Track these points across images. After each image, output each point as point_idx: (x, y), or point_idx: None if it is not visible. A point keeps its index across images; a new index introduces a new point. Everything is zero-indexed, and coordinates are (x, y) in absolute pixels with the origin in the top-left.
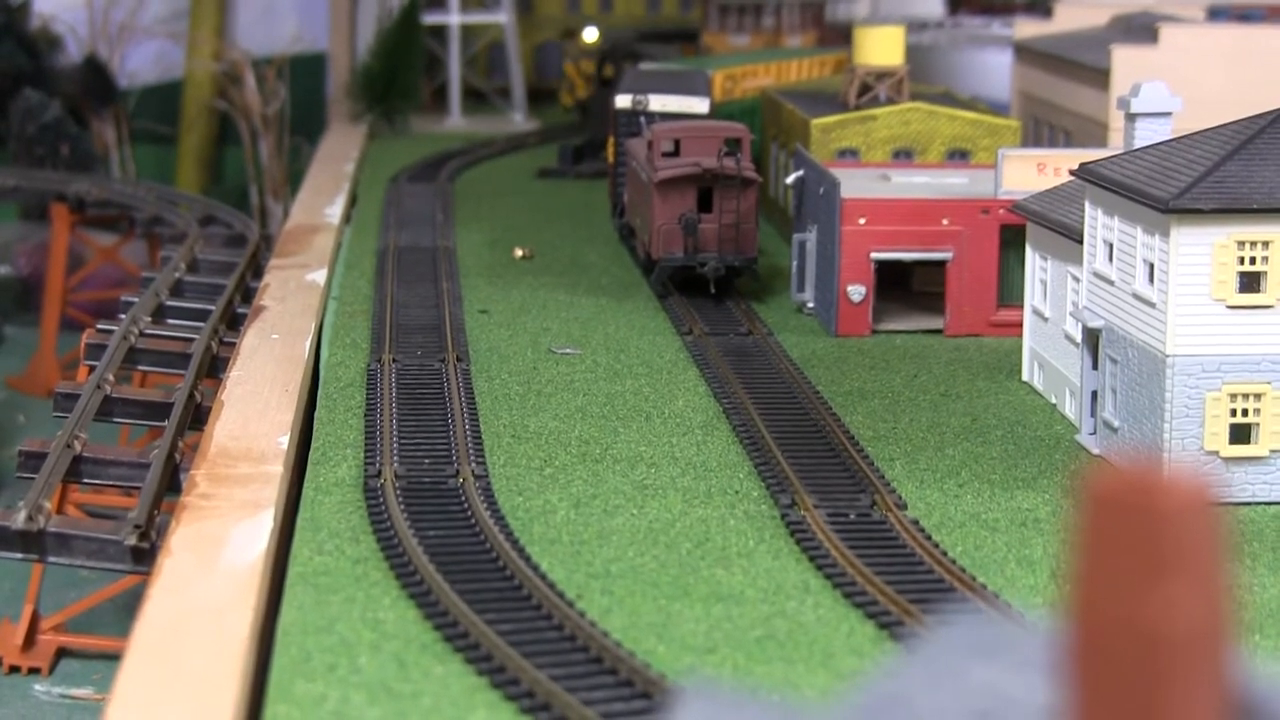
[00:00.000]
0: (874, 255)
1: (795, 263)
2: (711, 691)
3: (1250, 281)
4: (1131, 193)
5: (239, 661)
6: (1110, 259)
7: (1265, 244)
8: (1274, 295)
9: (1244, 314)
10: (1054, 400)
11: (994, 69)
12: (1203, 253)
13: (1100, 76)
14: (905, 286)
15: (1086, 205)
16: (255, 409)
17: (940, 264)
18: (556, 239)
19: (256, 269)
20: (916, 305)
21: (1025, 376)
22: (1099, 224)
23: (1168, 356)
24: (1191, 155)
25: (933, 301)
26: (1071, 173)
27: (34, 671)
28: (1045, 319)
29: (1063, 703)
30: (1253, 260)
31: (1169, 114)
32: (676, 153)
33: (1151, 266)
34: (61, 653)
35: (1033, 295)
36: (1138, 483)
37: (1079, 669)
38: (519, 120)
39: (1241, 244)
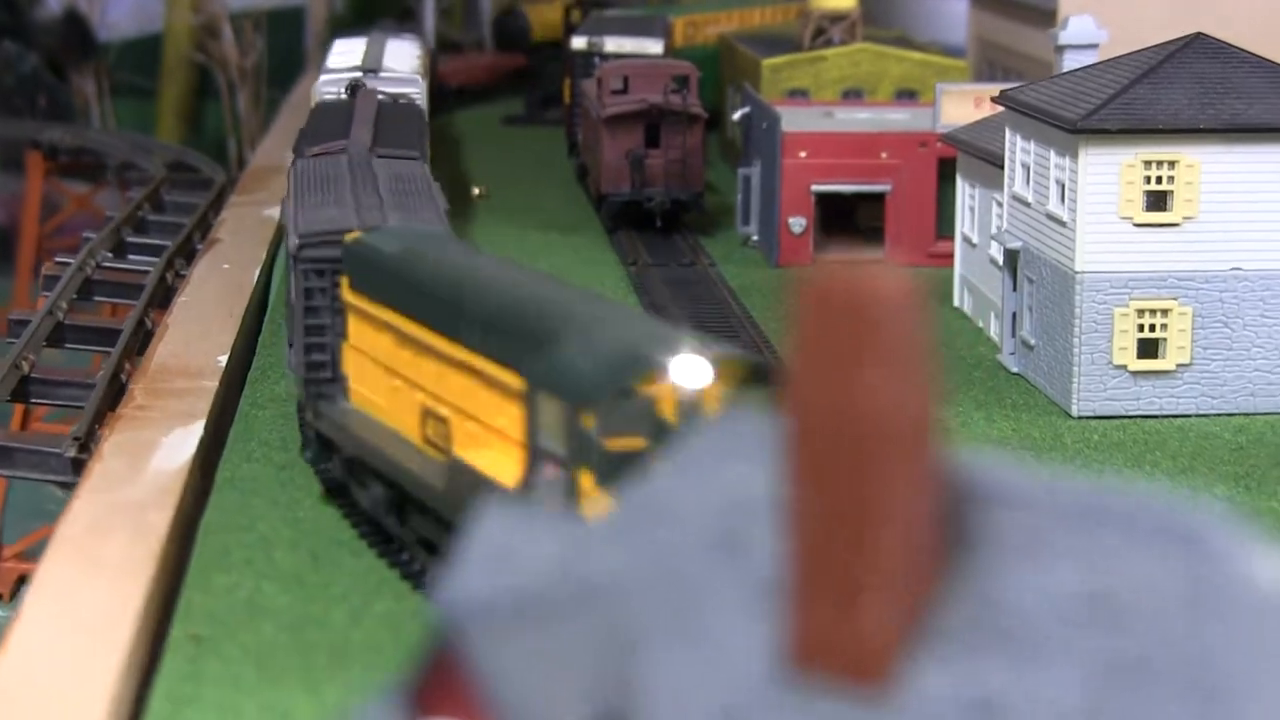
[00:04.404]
0: (814, 188)
1: (740, 196)
2: (507, 508)
3: (1157, 200)
4: (1044, 115)
5: (156, 553)
6: (1027, 181)
7: (1171, 164)
8: (1180, 214)
9: (1150, 232)
10: (981, 324)
11: (952, 14)
12: (1110, 172)
13: (1047, 18)
14: (851, 222)
15: (1006, 130)
16: (198, 331)
17: (880, 197)
18: (515, 180)
19: (220, 209)
20: (860, 239)
21: (956, 302)
22: (1017, 148)
23: (1077, 274)
24: (1104, 80)
25: (876, 236)
26: (993, 99)
27: None
28: (973, 245)
29: (783, 489)
30: (1159, 180)
31: (1095, 46)
32: (625, 90)
33: (1063, 186)
34: (22, 580)
35: (963, 223)
36: (847, 280)
37: (795, 454)
38: None
39: (1148, 164)
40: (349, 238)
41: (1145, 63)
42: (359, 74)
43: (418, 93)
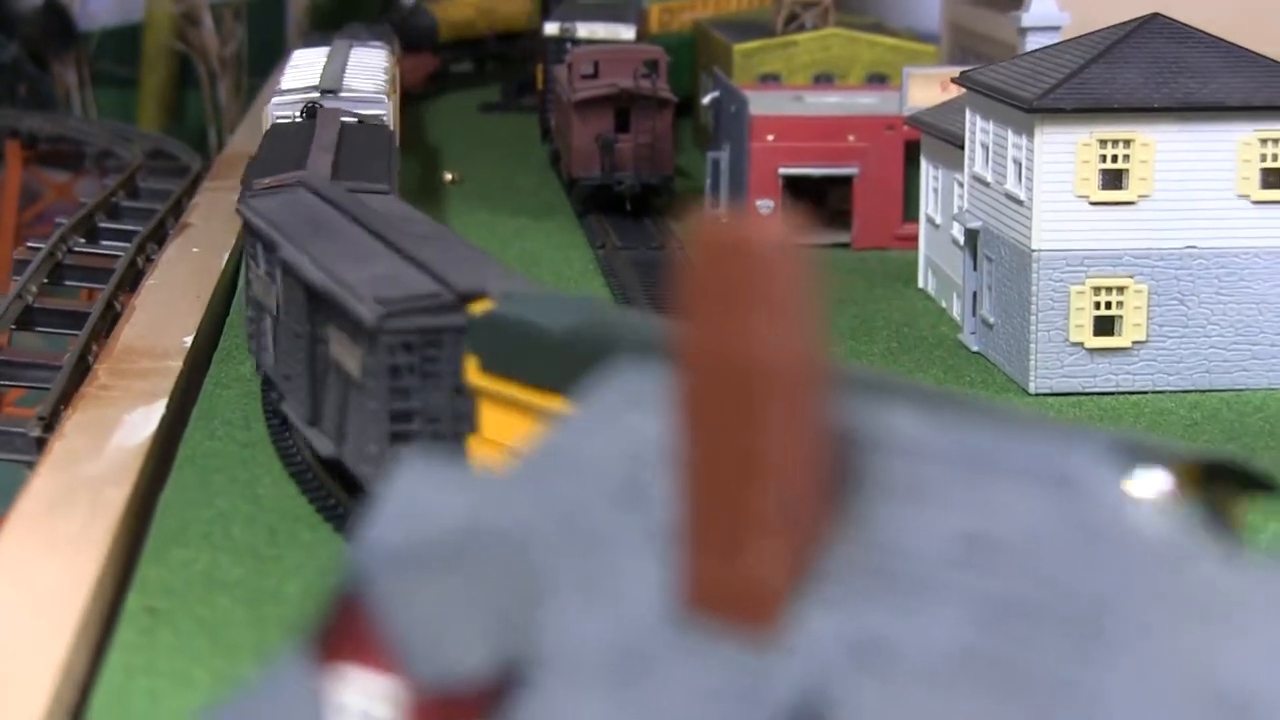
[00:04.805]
0: (782, 171)
1: (709, 180)
2: (424, 459)
3: (1112, 179)
4: (1001, 95)
5: (112, 528)
6: (986, 162)
7: (1126, 142)
8: (1135, 192)
9: (1106, 210)
10: (944, 304)
11: (926, 1)
12: (1066, 151)
13: (1019, 3)
14: (822, 204)
15: (966, 111)
16: (165, 313)
17: (848, 180)
18: (490, 165)
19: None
20: (829, 222)
21: (920, 284)
22: (977, 128)
23: (1034, 252)
24: (1061, 60)
25: (846, 219)
26: (953, 80)
27: None
28: (937, 226)
29: (676, 434)
30: (1114, 158)
31: (1058, 28)
32: (595, 75)
33: (1020, 166)
34: None
35: (927, 204)
36: (734, 229)
37: (686, 401)
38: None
39: (1104, 142)
40: (478, 308)
41: (1101, 42)
42: (316, 94)
43: (384, 114)
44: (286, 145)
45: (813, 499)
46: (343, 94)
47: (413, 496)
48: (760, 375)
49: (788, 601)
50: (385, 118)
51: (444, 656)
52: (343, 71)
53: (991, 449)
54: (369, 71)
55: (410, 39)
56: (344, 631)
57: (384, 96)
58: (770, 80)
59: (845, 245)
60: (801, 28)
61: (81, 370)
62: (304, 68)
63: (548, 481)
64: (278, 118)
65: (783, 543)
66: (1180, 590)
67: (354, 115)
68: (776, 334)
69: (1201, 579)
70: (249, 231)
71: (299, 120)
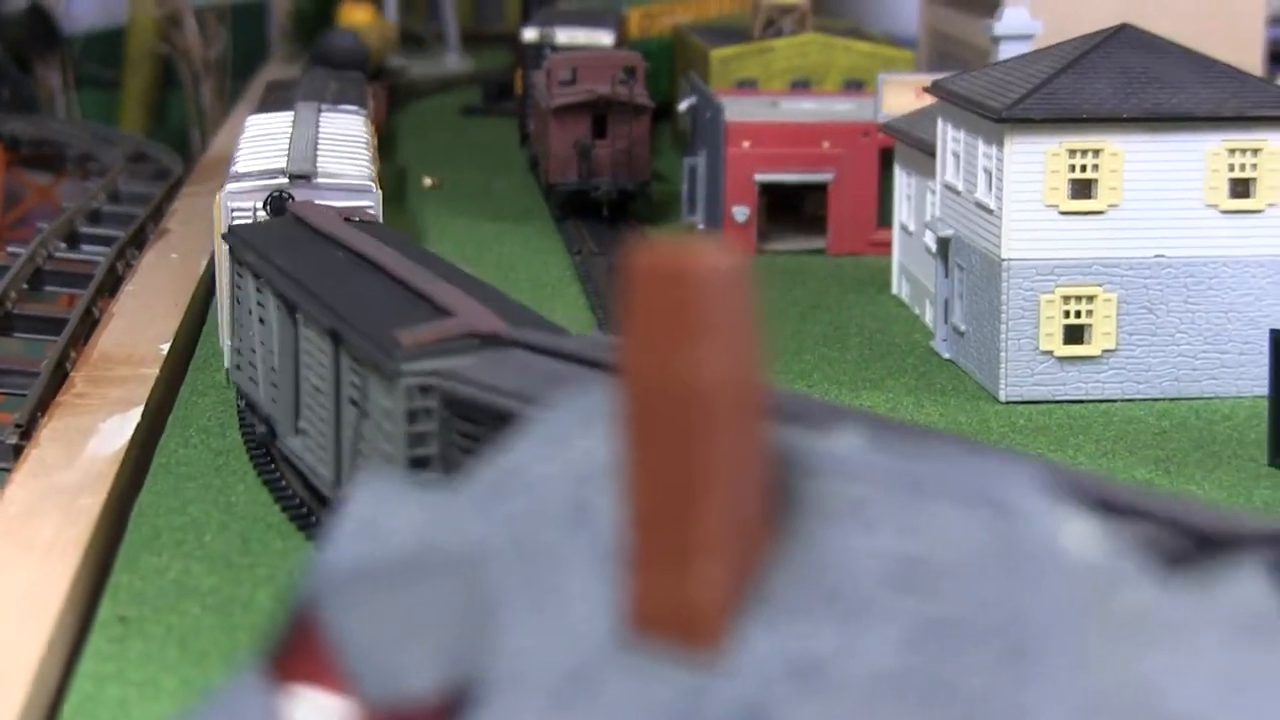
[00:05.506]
0: (757, 177)
1: (686, 186)
2: (381, 481)
3: (1081, 188)
4: (972, 104)
5: (86, 536)
6: (958, 170)
7: (1095, 152)
8: (1104, 202)
9: (1076, 219)
10: (917, 311)
11: (904, 6)
12: (1035, 161)
13: (992, 8)
14: (797, 211)
15: (938, 120)
16: (143, 319)
17: (824, 186)
18: (469, 169)
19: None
20: (805, 228)
21: (894, 290)
22: (948, 137)
23: (1003, 261)
24: (1031, 70)
25: (821, 225)
26: (924, 89)
27: None
28: (910, 234)
29: (619, 458)
30: (1084, 168)
31: (1030, 36)
32: (573, 81)
33: (990, 175)
34: None
35: (900, 211)
36: (674, 254)
37: (628, 426)
38: (453, 62)
39: (1073, 152)
40: None
41: (1071, 53)
42: (284, 180)
43: (373, 206)
44: (352, 277)
45: (754, 521)
46: (318, 180)
47: (368, 516)
48: (701, 399)
49: (729, 622)
50: (375, 212)
51: (396, 676)
52: (314, 149)
53: (928, 473)
54: (346, 146)
55: (341, 68)
56: (298, 650)
57: (370, 183)
58: (747, 86)
59: (820, 251)
60: (779, 33)
61: (59, 376)
62: (263, 141)
63: (500, 502)
64: (235, 212)
65: (724, 564)
66: (1114, 614)
67: (329, 208)
68: (716, 361)
69: (1136, 603)
70: (463, 417)
71: (263, 215)
